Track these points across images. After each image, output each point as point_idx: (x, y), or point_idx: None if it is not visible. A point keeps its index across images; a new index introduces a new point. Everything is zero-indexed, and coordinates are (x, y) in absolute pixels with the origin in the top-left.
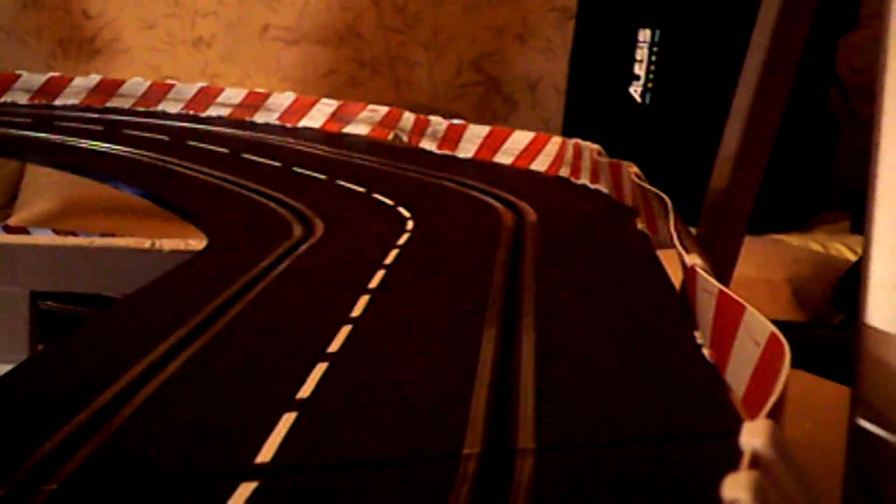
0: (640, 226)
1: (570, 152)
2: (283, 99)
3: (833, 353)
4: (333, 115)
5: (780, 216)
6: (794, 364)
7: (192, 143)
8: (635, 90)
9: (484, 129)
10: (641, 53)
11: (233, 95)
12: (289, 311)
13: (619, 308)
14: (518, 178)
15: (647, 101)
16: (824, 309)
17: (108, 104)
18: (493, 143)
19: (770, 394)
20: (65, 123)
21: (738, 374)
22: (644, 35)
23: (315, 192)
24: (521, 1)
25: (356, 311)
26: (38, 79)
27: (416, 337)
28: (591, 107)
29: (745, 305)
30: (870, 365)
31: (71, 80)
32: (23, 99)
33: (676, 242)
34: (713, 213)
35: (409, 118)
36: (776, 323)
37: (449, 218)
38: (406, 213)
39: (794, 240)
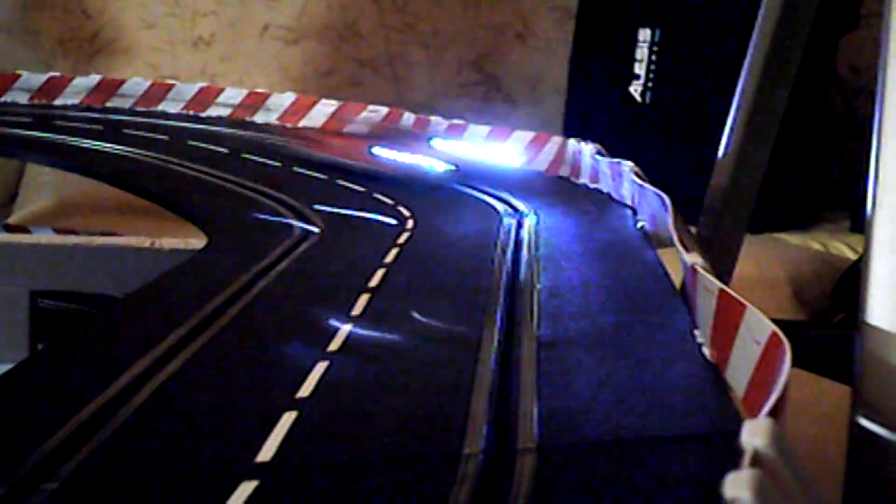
0: (640, 225)
1: (570, 152)
2: (283, 99)
3: (833, 353)
4: (333, 115)
5: (780, 215)
6: (794, 363)
7: (192, 142)
8: (635, 89)
9: (484, 129)
10: (641, 53)
11: (233, 95)
12: (289, 311)
13: (619, 307)
14: (518, 178)
15: (647, 100)
16: (824, 308)
17: (109, 104)
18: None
19: (771, 393)
20: (65, 123)
21: (739, 374)
22: (644, 34)
23: (315, 191)
24: (521, 0)
25: (356, 311)
26: (39, 78)
27: (416, 337)
28: (591, 106)
29: (745, 304)
30: (870, 364)
31: (71, 79)
32: (23, 98)
33: (676, 241)
34: (713, 213)
35: (409, 118)
36: (776, 322)
37: (449, 217)
38: (406, 213)
39: (794, 239)
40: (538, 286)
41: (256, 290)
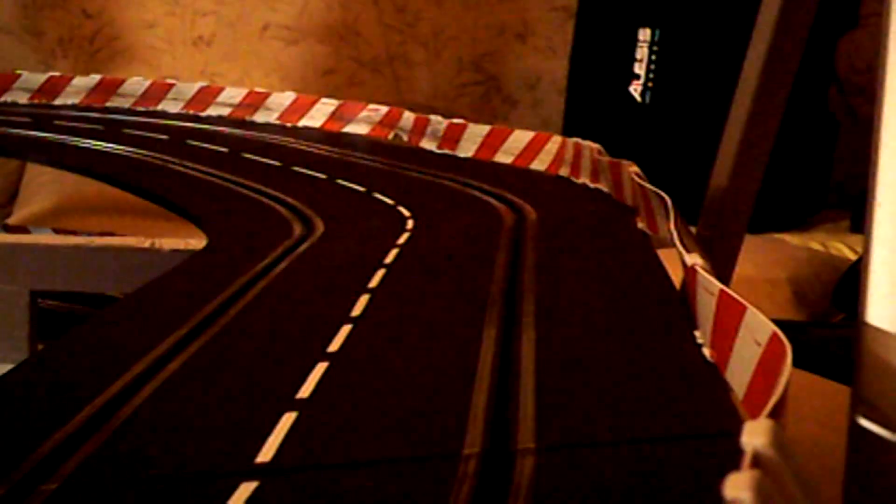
0: (640, 225)
1: (570, 151)
2: (283, 98)
3: (833, 353)
4: (333, 114)
5: (780, 215)
6: (795, 363)
7: (192, 142)
8: (635, 89)
9: (484, 129)
10: (641, 52)
11: (233, 95)
12: (289, 311)
13: (619, 307)
14: (518, 178)
15: (647, 100)
16: (824, 308)
17: (109, 103)
18: (493, 143)
19: (771, 393)
20: (65, 123)
21: (739, 374)
22: (644, 34)
23: (315, 191)
24: (522, 0)
25: (356, 311)
26: (38, 78)
27: (416, 337)
28: (591, 106)
29: (746, 305)
30: (870, 364)
31: (71, 79)
32: (23, 98)
33: (677, 241)
34: (713, 213)
35: (408, 117)
36: (776, 322)
37: (449, 217)
38: (406, 213)
39: (794, 239)
40: None
41: (256, 289)
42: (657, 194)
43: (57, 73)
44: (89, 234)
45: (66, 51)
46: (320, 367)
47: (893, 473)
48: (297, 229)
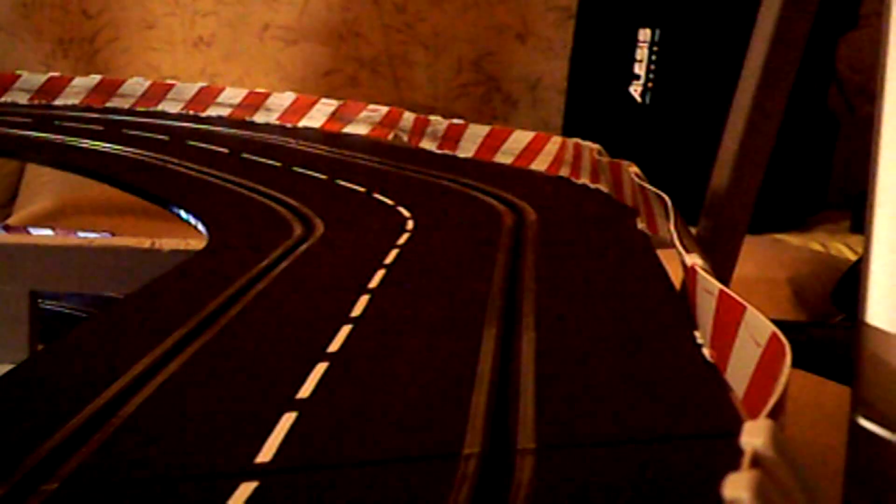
0: (640, 225)
1: (570, 152)
2: (283, 99)
3: (833, 353)
4: (333, 114)
5: (780, 216)
6: (794, 364)
7: (192, 142)
8: (635, 90)
9: (484, 129)
10: (641, 53)
11: (233, 95)
12: (289, 311)
13: (619, 308)
14: (518, 178)
15: (647, 100)
16: (824, 309)
17: (109, 104)
18: (493, 143)
19: (771, 394)
20: (65, 123)
21: (739, 374)
22: (644, 34)
23: (315, 191)
24: (522, 0)
25: (356, 311)
26: (38, 79)
27: (416, 337)
28: (591, 106)
29: (745, 305)
30: (870, 364)
31: (71, 80)
32: (23, 99)
33: (676, 242)
34: (713, 213)
35: (409, 118)
36: (776, 323)
37: (449, 218)
38: (406, 213)
39: (794, 239)
40: None
41: (256, 290)
42: (657, 195)
43: (57, 74)
44: (89, 234)
45: (66, 51)
46: (320, 367)
47: (893, 473)
48: (297, 229)
